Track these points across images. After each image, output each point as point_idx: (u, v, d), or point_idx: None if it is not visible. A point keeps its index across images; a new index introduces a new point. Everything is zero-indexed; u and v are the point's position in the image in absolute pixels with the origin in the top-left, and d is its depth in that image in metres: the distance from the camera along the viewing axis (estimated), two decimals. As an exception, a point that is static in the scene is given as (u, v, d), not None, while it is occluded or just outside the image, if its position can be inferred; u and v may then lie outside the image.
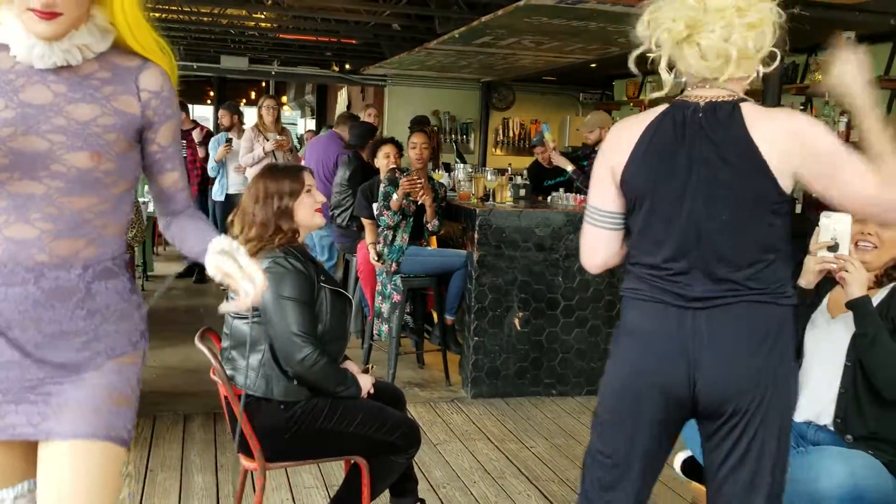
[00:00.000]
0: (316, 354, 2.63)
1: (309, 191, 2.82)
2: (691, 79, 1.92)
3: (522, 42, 6.75)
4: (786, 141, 1.82)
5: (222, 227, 8.35)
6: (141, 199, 6.44)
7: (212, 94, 14.97)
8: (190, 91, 14.13)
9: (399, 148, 5.37)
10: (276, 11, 7.05)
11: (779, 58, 1.86)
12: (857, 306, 2.42)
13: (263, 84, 14.35)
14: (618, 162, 1.96)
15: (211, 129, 9.28)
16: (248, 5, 6.94)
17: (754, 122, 1.84)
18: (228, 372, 2.74)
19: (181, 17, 7.54)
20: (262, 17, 7.50)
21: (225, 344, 2.79)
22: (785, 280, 1.92)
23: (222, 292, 7.74)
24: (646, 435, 1.97)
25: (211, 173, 7.76)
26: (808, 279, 2.56)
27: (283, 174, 2.83)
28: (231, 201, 7.82)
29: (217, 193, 7.74)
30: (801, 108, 6.98)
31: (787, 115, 1.92)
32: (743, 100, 1.88)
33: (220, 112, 8.05)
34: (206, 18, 7.53)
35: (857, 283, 2.43)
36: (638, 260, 1.97)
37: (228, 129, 7.78)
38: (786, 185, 1.83)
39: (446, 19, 6.37)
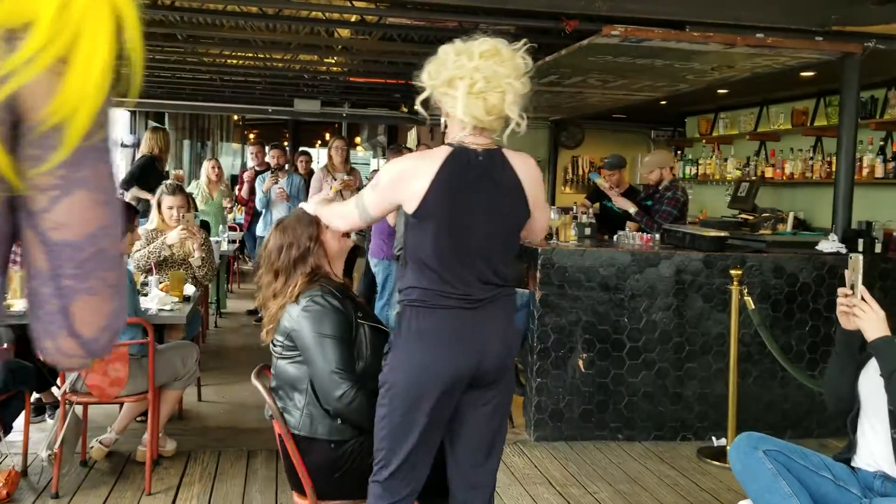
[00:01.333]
0: (354, 391, 2.62)
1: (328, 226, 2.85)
2: (468, 126, 2.35)
3: (588, 80, 6.73)
4: (533, 179, 2.48)
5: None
6: (214, 239, 6.62)
7: (287, 135, 15.37)
8: (267, 133, 14.54)
9: None
10: (345, 56, 7.21)
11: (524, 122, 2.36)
12: (876, 347, 2.34)
13: (336, 125, 14.67)
14: (412, 192, 2.36)
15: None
16: (319, 51, 7.13)
17: (516, 164, 2.43)
18: (281, 410, 2.76)
19: (256, 63, 7.79)
20: (333, 61, 7.69)
21: (272, 384, 2.82)
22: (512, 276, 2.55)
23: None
24: (440, 419, 2.45)
25: (258, 206, 8.17)
26: (843, 321, 2.56)
27: (293, 224, 2.84)
28: None
29: (261, 229, 8.12)
30: (882, 143, 6.75)
31: (528, 158, 2.50)
32: (501, 146, 2.43)
33: (276, 152, 8.38)
34: (279, 64, 7.75)
35: (870, 326, 2.41)
36: (428, 274, 2.39)
37: (280, 168, 8.13)
38: (531, 210, 2.49)
39: (511, 60, 6.39)
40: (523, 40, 2.38)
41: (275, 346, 2.77)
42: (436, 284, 2.39)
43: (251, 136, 14.99)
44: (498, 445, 2.60)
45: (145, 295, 4.42)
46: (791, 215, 7.44)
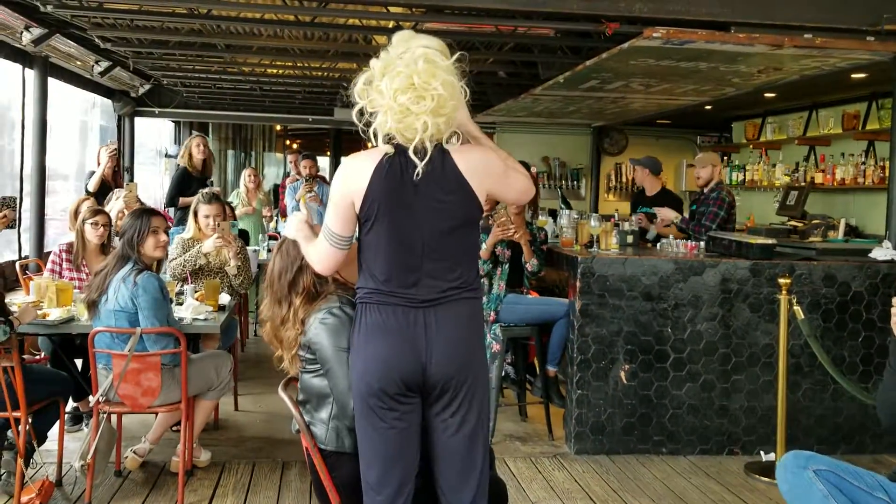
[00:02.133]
0: None
1: None
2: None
3: (631, 85, 6.58)
4: (477, 167, 2.39)
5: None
6: (252, 248, 6.61)
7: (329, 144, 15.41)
8: (309, 143, 14.60)
9: None
10: (384, 63, 7.16)
11: (460, 136, 2.40)
12: None
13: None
14: (357, 190, 2.35)
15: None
16: (357, 59, 7.09)
17: (458, 158, 2.36)
18: (308, 423, 2.69)
19: (295, 71, 7.79)
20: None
21: (300, 397, 2.74)
22: (477, 277, 2.49)
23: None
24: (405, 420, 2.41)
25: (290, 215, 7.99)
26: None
27: (289, 247, 2.78)
28: None
29: None
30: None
31: (470, 148, 2.42)
32: (443, 142, 2.36)
33: (308, 162, 8.19)
34: (319, 73, 7.73)
35: None
36: (372, 273, 2.39)
37: (313, 178, 7.94)
38: (482, 202, 2.42)
39: (549, 65, 6.29)
40: (457, 54, 2.35)
41: (300, 359, 2.69)
42: (381, 283, 2.38)
43: (294, 145, 15.05)
44: (473, 471, 2.46)
45: (180, 304, 4.40)
46: (843, 222, 7.22)
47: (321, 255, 2.50)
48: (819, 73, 5.73)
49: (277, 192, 10.50)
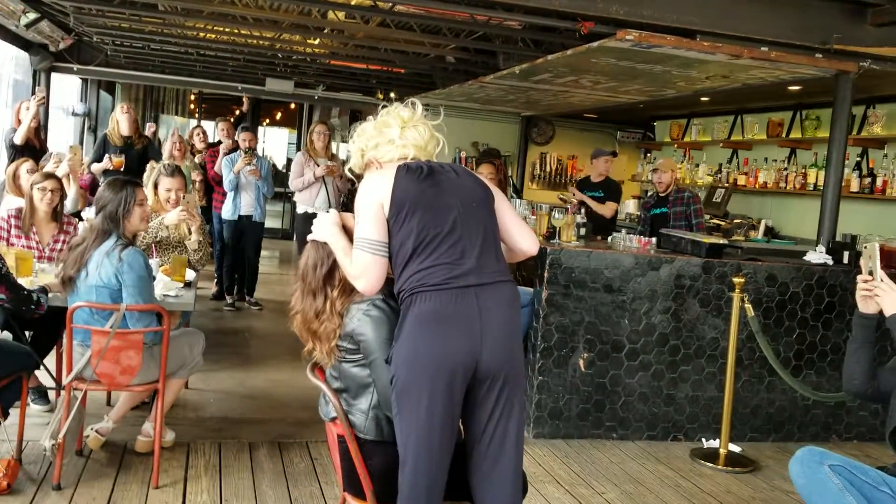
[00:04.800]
0: None
1: None
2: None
3: (580, 81, 6.76)
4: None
5: (232, 244, 7.94)
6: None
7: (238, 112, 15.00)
8: (217, 108, 14.14)
9: None
10: (337, 39, 7.05)
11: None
12: (894, 322, 2.61)
13: (292, 106, 14.39)
14: (384, 195, 2.54)
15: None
16: (307, 32, 6.95)
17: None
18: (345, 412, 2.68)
19: (236, 38, 7.55)
20: (317, 42, 7.51)
21: (336, 385, 2.71)
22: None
23: (259, 312, 7.67)
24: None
25: (227, 188, 7.52)
26: (862, 305, 2.81)
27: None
28: (241, 222, 7.60)
29: (229, 213, 7.57)
30: (858, 158, 7.00)
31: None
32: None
33: (247, 135, 7.73)
34: (264, 42, 7.52)
35: (891, 302, 2.65)
36: (419, 260, 2.50)
37: (252, 150, 7.49)
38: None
39: (509, 55, 6.38)
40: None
41: (339, 349, 2.67)
42: (427, 272, 2.48)
43: (196, 111, 14.55)
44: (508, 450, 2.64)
45: (148, 279, 4.25)
46: (763, 223, 7.67)
47: (363, 267, 2.53)
48: (762, 83, 6.07)
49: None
